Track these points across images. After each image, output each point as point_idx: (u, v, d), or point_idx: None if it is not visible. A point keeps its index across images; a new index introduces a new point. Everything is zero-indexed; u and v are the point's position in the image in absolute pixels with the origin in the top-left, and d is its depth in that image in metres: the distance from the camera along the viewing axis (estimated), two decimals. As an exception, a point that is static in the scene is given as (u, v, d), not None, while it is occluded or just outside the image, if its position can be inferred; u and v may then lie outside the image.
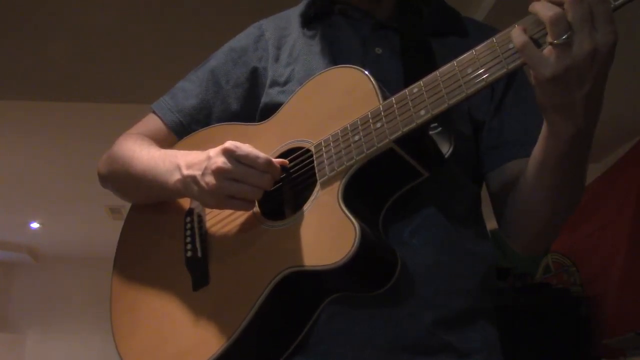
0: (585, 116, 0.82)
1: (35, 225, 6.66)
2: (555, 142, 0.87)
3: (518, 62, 0.81)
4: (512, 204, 1.05)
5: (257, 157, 0.96)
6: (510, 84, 1.11)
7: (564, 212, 1.01)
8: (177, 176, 1.02)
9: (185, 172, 1.00)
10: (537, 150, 0.93)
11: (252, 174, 0.96)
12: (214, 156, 0.96)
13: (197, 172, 0.98)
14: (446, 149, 0.95)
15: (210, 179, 0.96)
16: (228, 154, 0.95)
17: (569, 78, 0.78)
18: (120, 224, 1.23)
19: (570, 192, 0.97)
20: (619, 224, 4.07)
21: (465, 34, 1.13)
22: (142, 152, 1.12)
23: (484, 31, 1.06)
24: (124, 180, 1.18)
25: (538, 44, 0.79)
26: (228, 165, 0.95)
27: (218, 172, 0.95)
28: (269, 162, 0.97)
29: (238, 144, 0.97)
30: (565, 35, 0.76)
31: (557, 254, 4.56)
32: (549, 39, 0.77)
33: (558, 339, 3.76)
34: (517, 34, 0.80)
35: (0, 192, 5.62)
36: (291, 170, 1.03)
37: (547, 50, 0.78)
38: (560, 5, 0.77)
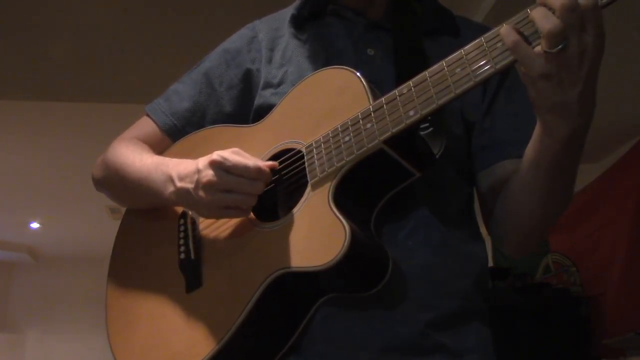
0: (579, 116, 0.82)
1: (35, 225, 6.67)
2: (550, 143, 0.87)
3: (506, 61, 0.81)
4: (502, 204, 1.04)
5: (246, 166, 0.95)
6: (502, 83, 1.11)
7: (554, 214, 1.00)
8: (170, 188, 1.02)
9: (179, 184, 1.00)
10: (531, 150, 0.93)
11: (243, 183, 0.95)
12: (203, 169, 0.96)
13: (189, 185, 0.98)
14: (437, 149, 0.95)
15: (202, 193, 0.96)
16: (216, 166, 0.95)
17: (561, 77, 0.78)
18: (120, 224, 1.24)
19: (562, 193, 0.97)
20: (619, 224, 4.07)
21: (458, 33, 1.13)
22: (135, 159, 1.12)
23: (476, 30, 1.05)
24: (117, 187, 1.18)
25: (528, 41, 0.79)
26: (217, 178, 0.95)
27: (209, 186, 0.95)
28: (258, 169, 0.96)
29: (225, 154, 0.96)
30: (561, 46, 0.76)
31: (557, 254, 4.56)
32: (543, 46, 0.77)
33: (558, 339, 3.77)
34: (507, 33, 0.80)
35: (0, 192, 5.63)
36: (283, 172, 1.03)
37: (538, 49, 0.78)
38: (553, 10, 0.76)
